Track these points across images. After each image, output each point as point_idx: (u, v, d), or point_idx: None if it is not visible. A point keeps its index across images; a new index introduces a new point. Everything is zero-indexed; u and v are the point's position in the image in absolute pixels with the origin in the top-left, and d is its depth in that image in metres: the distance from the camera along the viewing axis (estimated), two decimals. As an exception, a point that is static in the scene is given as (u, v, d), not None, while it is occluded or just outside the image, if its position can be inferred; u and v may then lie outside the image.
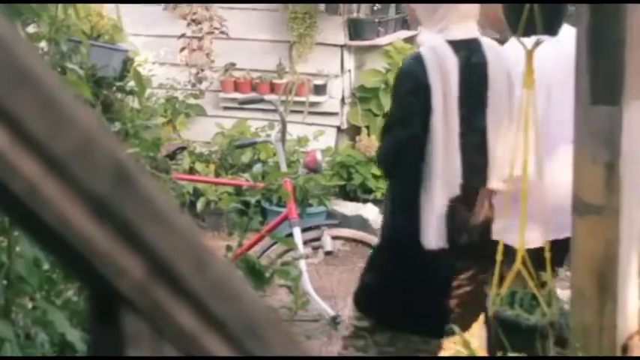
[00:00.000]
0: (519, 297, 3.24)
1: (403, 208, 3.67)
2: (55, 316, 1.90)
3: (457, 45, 3.50)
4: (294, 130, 7.50)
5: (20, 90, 0.65)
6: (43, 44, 2.75)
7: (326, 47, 7.90)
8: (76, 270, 0.81)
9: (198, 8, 7.78)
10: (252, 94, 7.61)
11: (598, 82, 2.52)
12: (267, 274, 2.84)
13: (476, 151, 3.56)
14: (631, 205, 2.60)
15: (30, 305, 2.06)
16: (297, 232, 5.27)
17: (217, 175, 7.68)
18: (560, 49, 3.44)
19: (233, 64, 8.08)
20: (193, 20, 7.82)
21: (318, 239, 5.32)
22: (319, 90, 7.92)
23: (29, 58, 0.67)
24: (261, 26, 7.99)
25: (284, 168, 5.69)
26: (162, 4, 7.99)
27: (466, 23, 3.55)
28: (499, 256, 3.23)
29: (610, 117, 2.51)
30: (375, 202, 7.49)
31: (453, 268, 3.72)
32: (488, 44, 3.62)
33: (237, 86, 8.08)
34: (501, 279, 3.22)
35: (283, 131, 5.90)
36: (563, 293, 3.83)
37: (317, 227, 5.39)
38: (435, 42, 3.49)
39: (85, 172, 0.71)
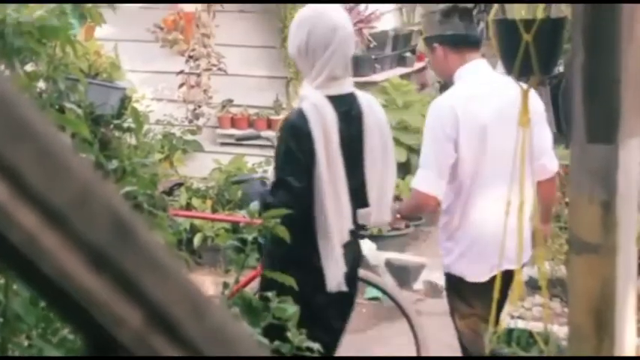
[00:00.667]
0: (516, 335, 3.23)
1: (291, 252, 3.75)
2: (51, 354, 1.90)
3: (335, 99, 3.75)
4: (291, 166, 7.50)
5: (19, 143, 0.66)
6: (40, 83, 2.77)
7: (323, 83, 7.92)
8: (73, 319, 0.81)
9: (195, 45, 7.82)
10: (250, 131, 7.63)
11: (594, 121, 2.53)
12: (264, 312, 2.83)
13: (357, 195, 3.83)
14: (627, 243, 2.60)
15: (26, 343, 2.06)
16: (293, 268, 5.26)
17: (214, 210, 7.68)
18: (497, 97, 4.15)
19: (230, 101, 8.11)
20: (191, 57, 7.87)
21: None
22: (316, 126, 7.93)
23: (27, 111, 0.67)
24: (259, 63, 8.03)
25: (281, 204, 5.68)
26: (160, 42, 8.03)
27: (340, 81, 3.82)
28: (496, 294, 3.24)
29: (606, 155, 2.52)
30: (372, 238, 7.48)
31: (330, 305, 3.83)
32: (363, 98, 3.93)
33: (234, 122, 8.11)
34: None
35: (280, 167, 5.90)
36: (561, 330, 3.83)
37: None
38: (315, 97, 3.73)
39: (82, 222, 0.72)
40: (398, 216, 4.82)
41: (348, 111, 3.79)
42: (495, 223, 3.75)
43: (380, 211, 3.96)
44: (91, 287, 0.74)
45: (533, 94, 4.26)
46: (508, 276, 3.59)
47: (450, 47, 4.36)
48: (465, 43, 4.37)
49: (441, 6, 4.49)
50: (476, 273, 4.25)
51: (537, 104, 4.32)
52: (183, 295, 0.82)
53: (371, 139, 3.86)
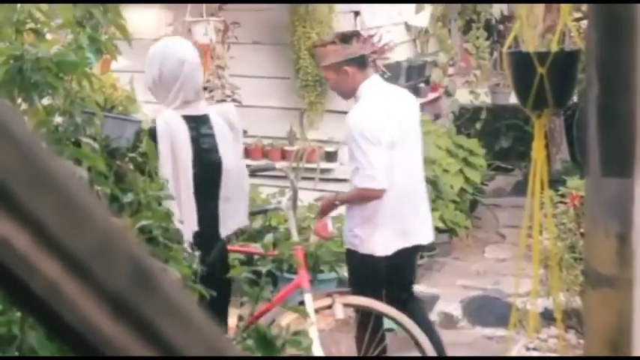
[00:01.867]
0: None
1: None
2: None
3: (190, 119, 4.34)
4: (305, 197, 7.51)
5: (40, 192, 0.67)
6: (57, 117, 2.78)
7: (336, 114, 7.94)
8: (94, 366, 0.81)
9: (210, 76, 7.85)
10: (264, 162, 7.65)
11: (609, 154, 2.53)
12: (278, 344, 2.83)
13: (211, 201, 4.43)
14: (644, 276, 2.59)
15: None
16: (308, 299, 5.25)
17: (228, 242, 7.67)
18: (399, 102, 5.29)
19: (244, 131, 8.11)
20: (205, 88, 7.89)
21: (329, 307, 5.30)
22: (330, 157, 7.95)
23: (49, 160, 0.68)
24: (273, 94, 8.05)
25: (295, 235, 5.69)
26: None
27: (193, 104, 4.41)
28: (511, 327, 3.22)
29: (621, 189, 2.51)
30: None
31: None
32: (215, 119, 4.48)
33: (248, 153, 8.11)
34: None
35: (294, 198, 5.91)
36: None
37: (329, 295, 5.38)
38: (169, 116, 4.31)
39: (104, 271, 0.72)
40: (337, 203, 5.60)
41: (199, 128, 4.36)
42: (403, 208, 5.13)
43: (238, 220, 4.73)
44: (112, 334, 0.75)
45: (407, 94, 5.60)
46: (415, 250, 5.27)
47: (357, 67, 5.22)
48: (366, 62, 5.30)
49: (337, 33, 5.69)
50: (385, 247, 5.17)
51: (413, 105, 5.51)
52: (202, 340, 0.82)
53: (224, 153, 4.44)
